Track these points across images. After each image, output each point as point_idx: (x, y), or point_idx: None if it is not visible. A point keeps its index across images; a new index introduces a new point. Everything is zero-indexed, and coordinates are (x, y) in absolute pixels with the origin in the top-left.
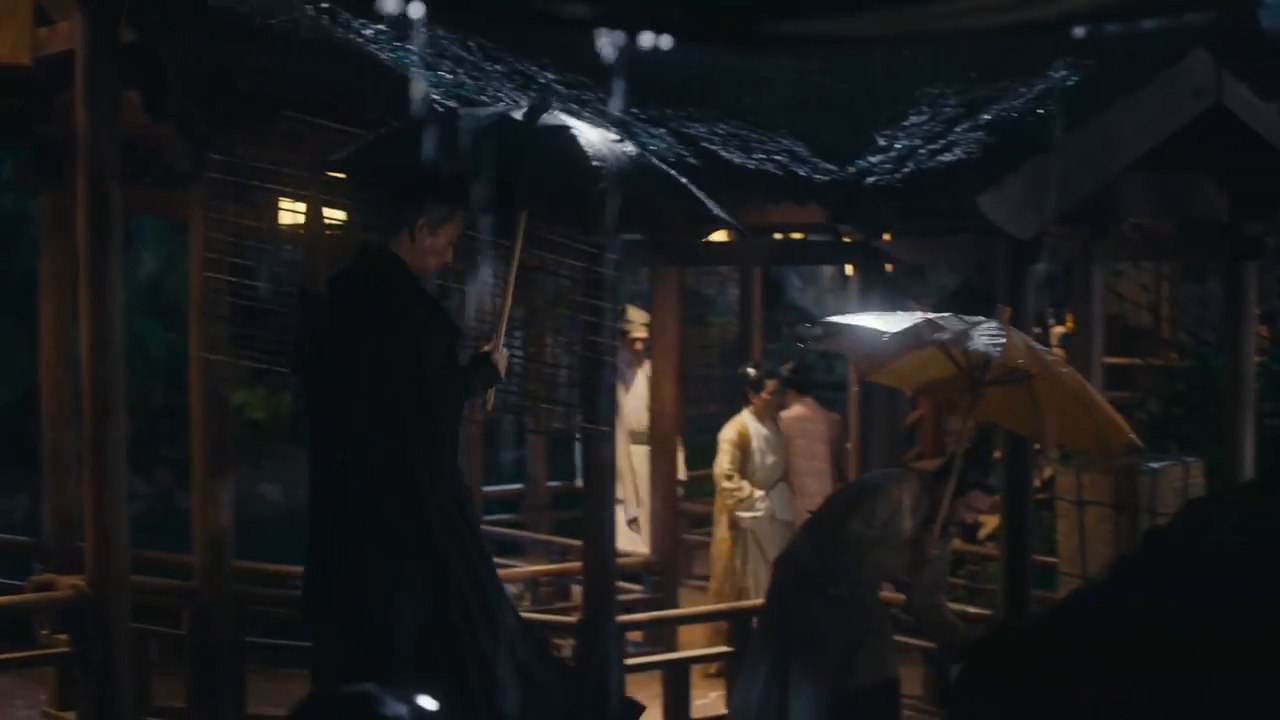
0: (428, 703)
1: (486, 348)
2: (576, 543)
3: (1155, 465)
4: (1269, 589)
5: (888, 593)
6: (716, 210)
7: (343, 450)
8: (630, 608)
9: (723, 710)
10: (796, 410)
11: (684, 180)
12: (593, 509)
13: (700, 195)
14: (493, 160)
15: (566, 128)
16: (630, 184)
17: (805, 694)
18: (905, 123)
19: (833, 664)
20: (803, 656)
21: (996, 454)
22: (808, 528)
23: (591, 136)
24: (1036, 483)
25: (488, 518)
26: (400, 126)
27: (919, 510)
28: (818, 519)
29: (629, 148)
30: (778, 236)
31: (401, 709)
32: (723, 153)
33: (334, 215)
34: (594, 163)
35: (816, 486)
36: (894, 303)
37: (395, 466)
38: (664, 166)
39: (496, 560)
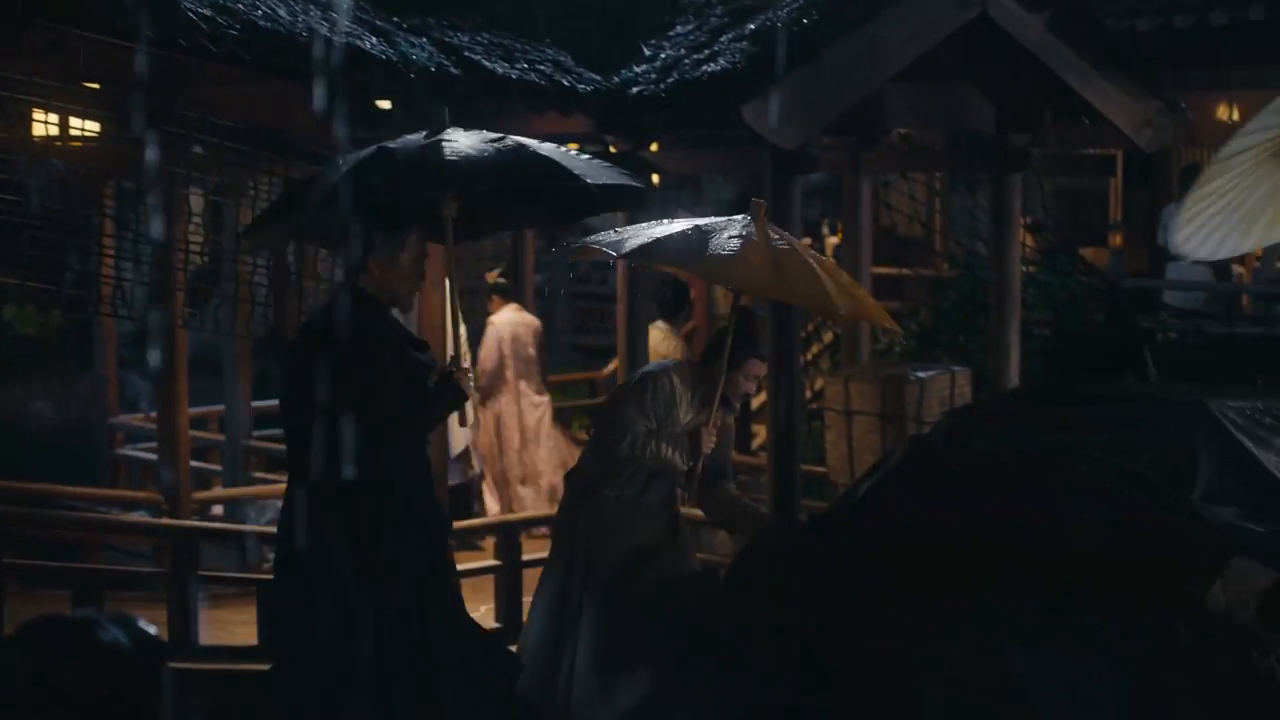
0: (148, 627)
1: (449, 368)
2: None
3: (922, 374)
4: (1021, 497)
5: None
6: (615, 179)
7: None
8: None
9: (494, 624)
10: (504, 315)
11: (581, 160)
12: None
13: (586, 169)
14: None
15: (438, 141)
16: (492, 181)
17: (593, 602)
18: (671, 32)
19: (620, 569)
20: (589, 565)
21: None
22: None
23: (462, 144)
24: (806, 393)
25: (259, 433)
26: (301, 184)
27: (695, 397)
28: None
29: (505, 145)
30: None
31: (119, 632)
32: (486, 63)
33: (89, 127)
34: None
35: (528, 386)
36: (666, 213)
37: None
38: (551, 155)
39: (267, 476)
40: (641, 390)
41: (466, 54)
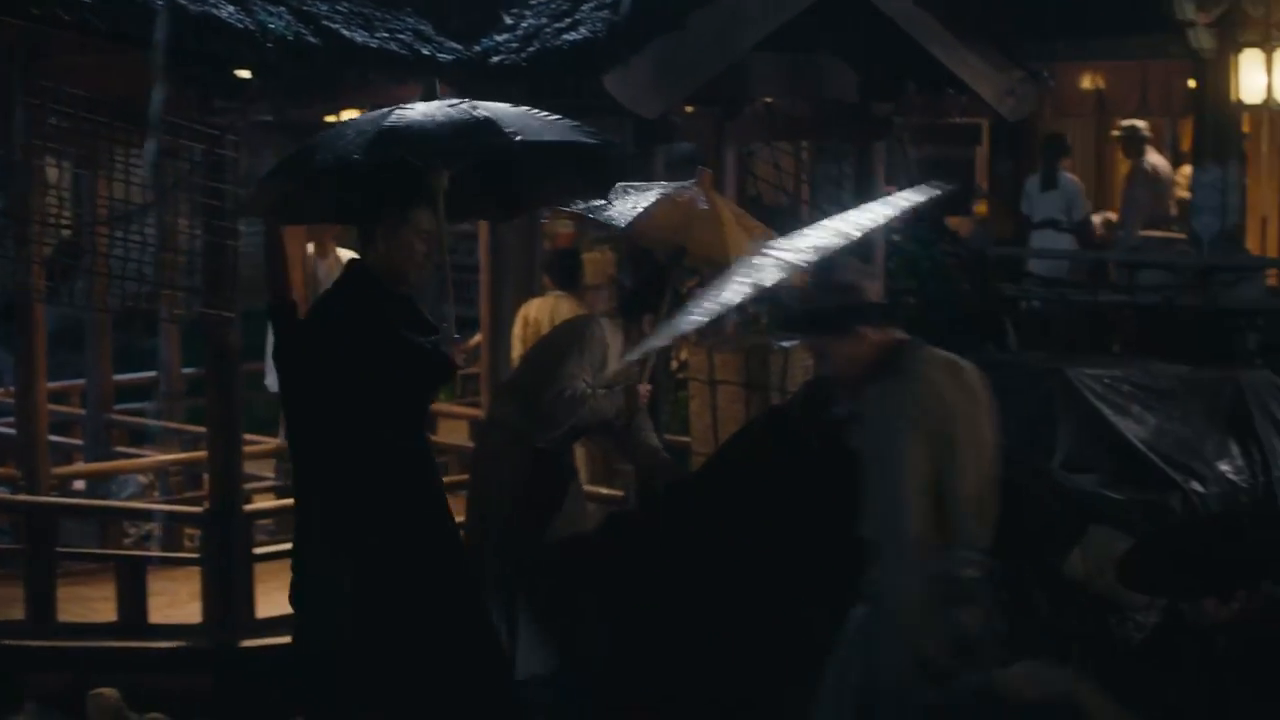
0: None
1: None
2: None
3: (786, 344)
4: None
5: None
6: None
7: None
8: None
9: None
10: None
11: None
12: (217, 395)
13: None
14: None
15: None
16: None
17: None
18: (532, 1)
19: (536, 520)
20: (508, 517)
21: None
22: (508, 389)
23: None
24: (674, 363)
25: (120, 407)
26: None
27: (619, 351)
28: (519, 378)
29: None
30: None
31: None
32: (345, 31)
33: None
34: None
35: None
36: None
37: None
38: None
39: (129, 450)
40: (580, 343)
41: (325, 22)
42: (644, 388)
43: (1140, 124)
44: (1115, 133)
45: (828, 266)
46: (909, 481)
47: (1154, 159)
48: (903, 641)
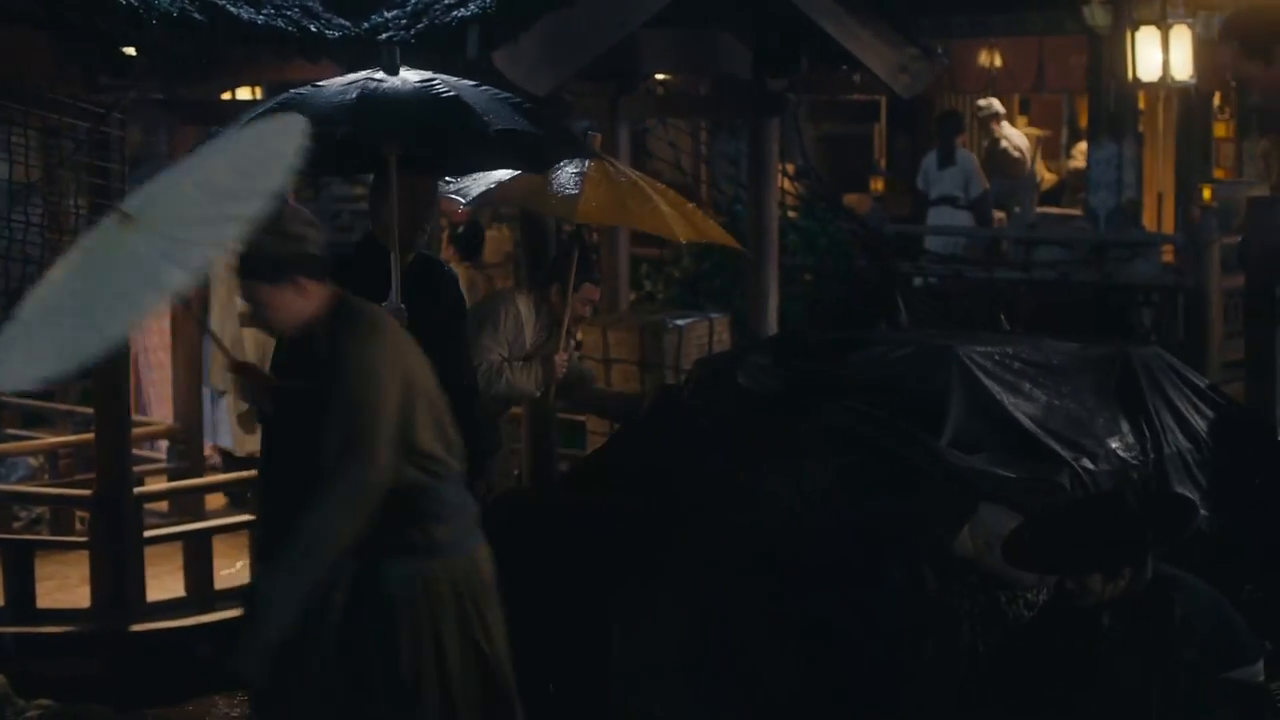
0: None
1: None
2: None
3: (680, 322)
4: (765, 447)
5: None
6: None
7: None
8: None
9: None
10: None
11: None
12: (103, 377)
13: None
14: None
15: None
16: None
17: None
18: None
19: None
20: None
21: None
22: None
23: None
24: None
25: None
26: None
27: (537, 321)
28: None
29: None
30: None
31: None
32: (231, 8)
33: None
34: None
35: None
36: None
37: None
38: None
39: (19, 433)
40: (494, 317)
41: None
42: (560, 357)
43: (994, 101)
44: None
45: (276, 214)
46: (390, 421)
47: (1008, 132)
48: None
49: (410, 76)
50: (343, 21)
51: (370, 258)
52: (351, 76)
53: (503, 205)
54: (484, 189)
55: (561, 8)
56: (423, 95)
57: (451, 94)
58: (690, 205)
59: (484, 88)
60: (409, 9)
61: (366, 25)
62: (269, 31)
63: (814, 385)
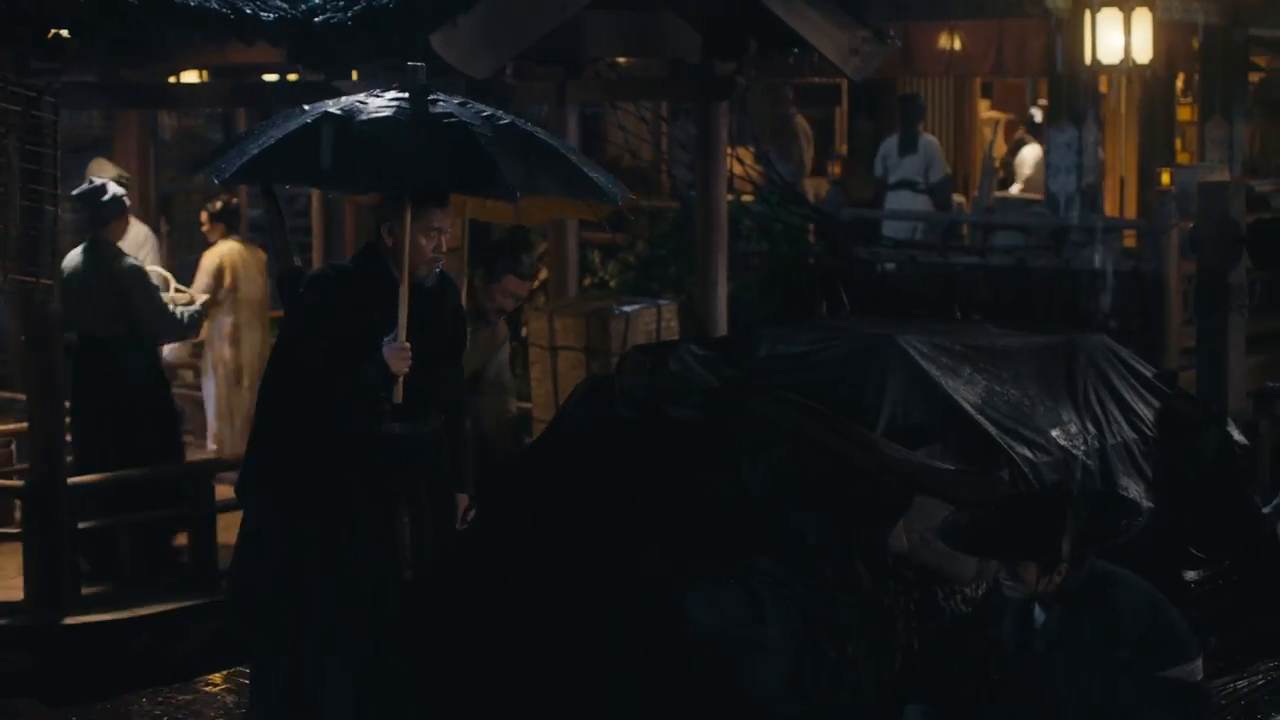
0: None
1: (387, 339)
2: None
3: (628, 309)
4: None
5: None
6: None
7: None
8: None
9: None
10: (229, 245)
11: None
12: (37, 365)
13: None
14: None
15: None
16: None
17: None
18: None
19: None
20: None
21: None
22: None
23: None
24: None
25: None
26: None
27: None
28: None
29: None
30: (271, 78)
31: None
32: None
33: None
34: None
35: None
36: None
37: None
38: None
39: None
40: None
41: None
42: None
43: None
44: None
45: None
46: None
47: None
48: None
49: (447, 110)
50: (280, 3)
51: (374, 278)
52: (389, 98)
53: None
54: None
55: None
56: (458, 143)
57: (490, 152)
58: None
59: (525, 128)
60: None
61: (304, 7)
62: (203, 14)
63: (748, 376)
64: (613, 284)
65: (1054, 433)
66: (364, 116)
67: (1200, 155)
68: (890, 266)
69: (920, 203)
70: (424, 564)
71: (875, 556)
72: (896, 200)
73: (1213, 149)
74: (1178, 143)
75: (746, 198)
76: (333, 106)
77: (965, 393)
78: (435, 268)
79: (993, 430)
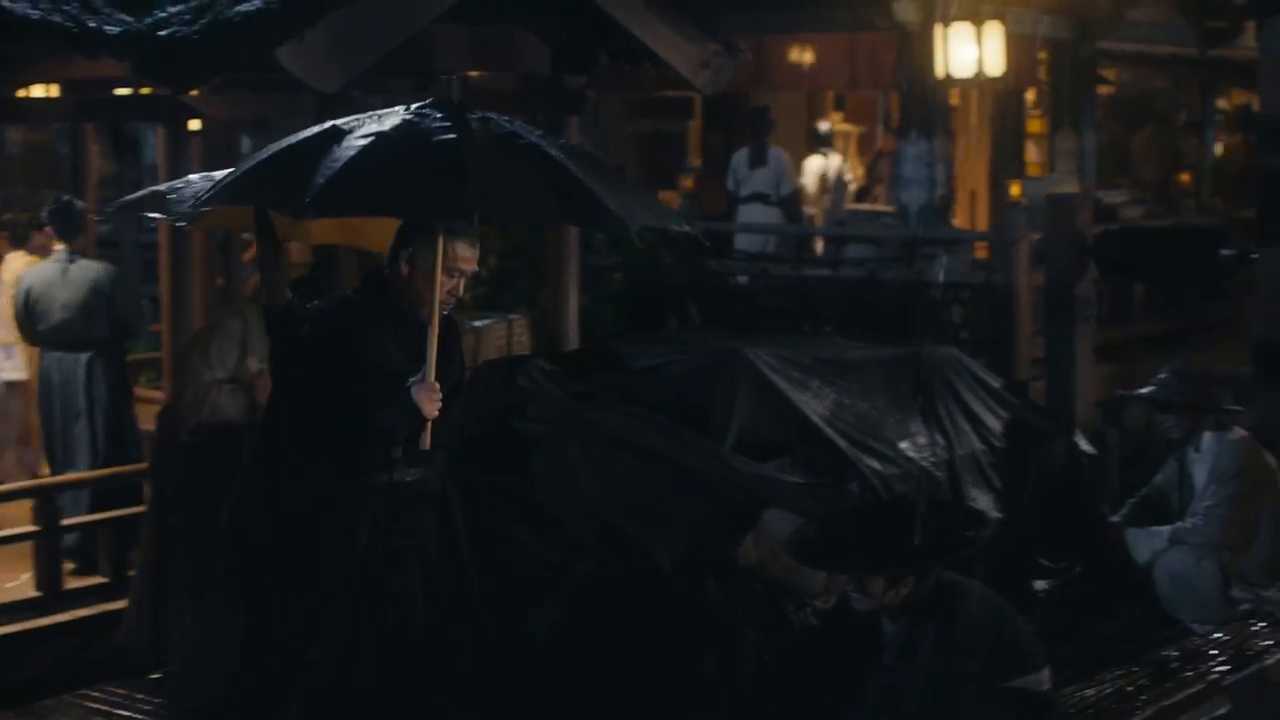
0: None
1: (412, 380)
2: None
3: (478, 323)
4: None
5: None
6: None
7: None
8: None
9: (35, 592)
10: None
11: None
12: None
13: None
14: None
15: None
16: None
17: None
18: None
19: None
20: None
21: None
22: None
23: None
24: None
25: None
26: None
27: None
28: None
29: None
30: (124, 92)
31: None
32: (5, 2)
33: None
34: None
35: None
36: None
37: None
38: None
39: None
40: (211, 336)
41: None
42: (262, 383)
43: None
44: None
45: None
46: None
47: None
48: None
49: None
50: (124, 17)
51: (384, 313)
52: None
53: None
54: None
55: (350, 3)
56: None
57: (582, 179)
58: None
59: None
60: (193, 4)
61: (149, 20)
62: (45, 27)
63: (597, 391)
64: (465, 299)
65: (903, 445)
66: (440, 139)
67: (1050, 167)
68: (743, 280)
69: (772, 216)
70: (438, 620)
71: (724, 570)
72: (748, 214)
73: (1062, 161)
74: (1028, 155)
75: None
76: (374, 126)
77: (814, 406)
78: (446, 310)
79: (841, 443)
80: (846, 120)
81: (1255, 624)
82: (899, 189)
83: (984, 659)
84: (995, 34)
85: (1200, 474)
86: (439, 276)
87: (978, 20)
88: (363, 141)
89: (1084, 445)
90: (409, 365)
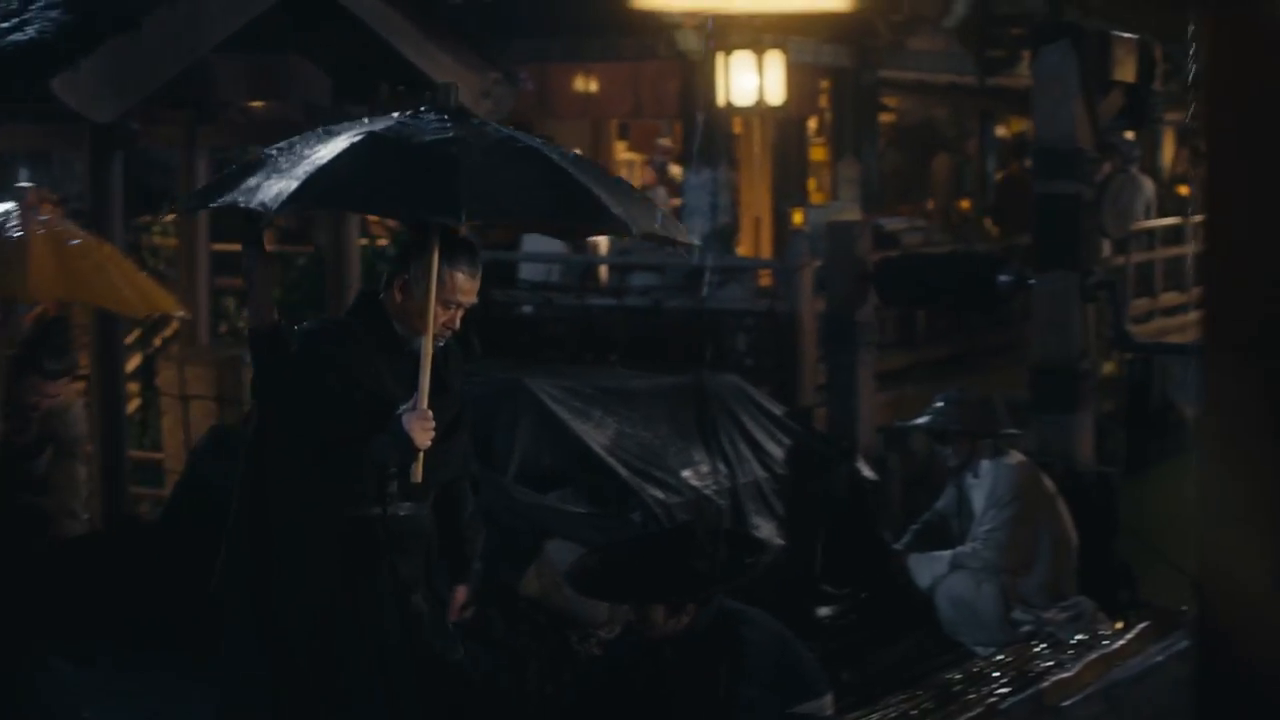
0: None
1: (404, 408)
2: None
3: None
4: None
5: None
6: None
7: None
8: None
9: None
10: None
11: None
12: None
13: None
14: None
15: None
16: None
17: None
18: None
19: None
20: None
21: None
22: None
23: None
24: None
25: None
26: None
27: None
28: None
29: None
30: None
31: None
32: None
33: None
34: None
35: None
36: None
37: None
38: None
39: None
40: None
41: None
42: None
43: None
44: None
45: None
46: None
47: None
48: None
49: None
50: None
51: (377, 337)
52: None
53: None
54: None
55: (126, 32)
56: (544, 173)
57: (582, 181)
58: (139, 272)
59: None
60: None
61: None
62: None
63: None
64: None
65: (685, 473)
66: (433, 138)
67: (833, 195)
68: (527, 309)
69: (556, 245)
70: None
71: (507, 601)
72: (532, 243)
73: (844, 188)
74: (812, 182)
75: (382, 241)
76: (365, 127)
77: (596, 435)
78: (440, 342)
79: (624, 472)
80: (631, 149)
81: (1036, 645)
82: (683, 217)
83: (766, 685)
84: (776, 63)
85: (979, 499)
86: (433, 294)
87: (759, 49)
88: (351, 140)
89: (866, 471)
90: (403, 395)
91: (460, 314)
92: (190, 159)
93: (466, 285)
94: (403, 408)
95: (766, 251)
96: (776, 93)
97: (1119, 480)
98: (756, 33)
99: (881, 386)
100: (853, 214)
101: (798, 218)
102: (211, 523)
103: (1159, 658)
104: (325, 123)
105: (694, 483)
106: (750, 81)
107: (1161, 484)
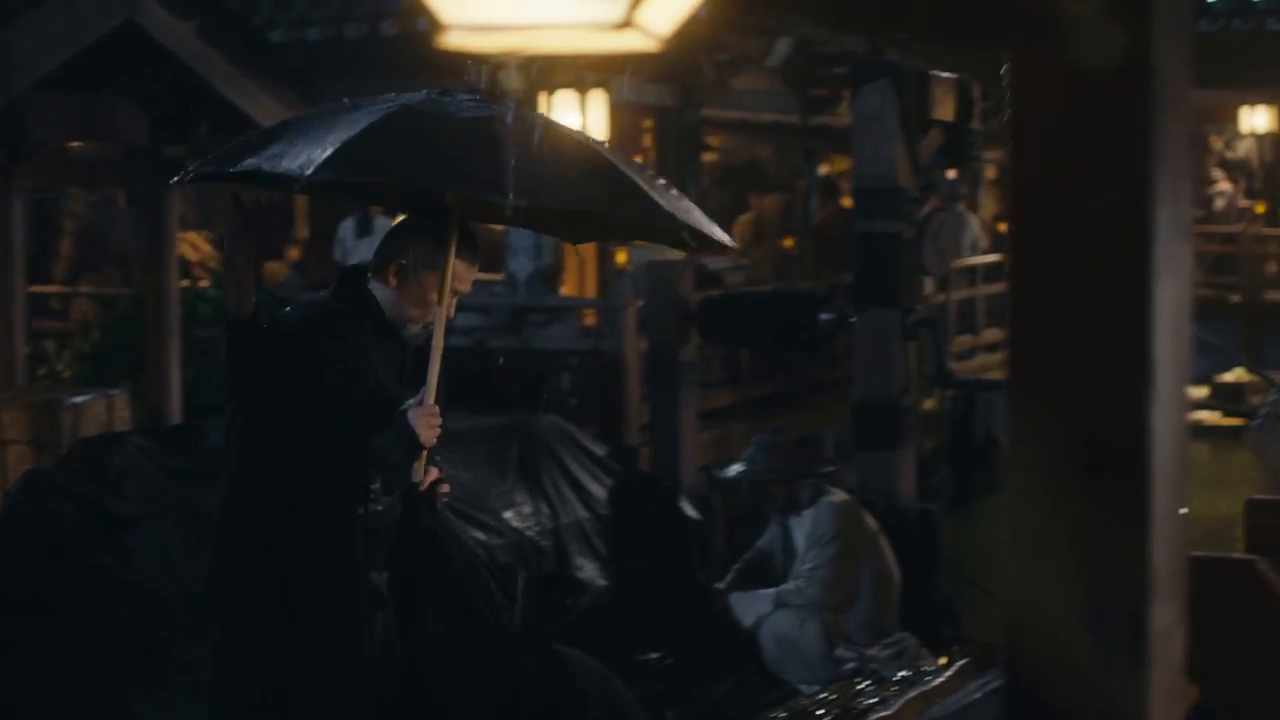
0: None
1: (409, 402)
2: None
3: (77, 399)
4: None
5: None
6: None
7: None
8: None
9: None
10: None
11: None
12: None
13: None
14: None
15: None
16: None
17: None
18: None
19: None
20: None
21: None
22: None
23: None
24: None
25: None
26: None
27: None
28: None
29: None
30: None
31: None
32: None
33: None
34: None
35: None
36: None
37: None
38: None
39: None
40: None
41: None
42: None
43: None
44: None
45: None
46: None
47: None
48: None
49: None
50: None
51: (368, 326)
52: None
53: None
54: None
55: None
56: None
57: (629, 174)
58: None
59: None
60: None
61: None
62: None
63: (193, 466)
64: (67, 374)
65: (507, 515)
66: (474, 115)
67: None
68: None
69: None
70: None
71: None
72: None
73: None
74: None
75: (204, 283)
76: (394, 101)
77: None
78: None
79: (445, 515)
80: None
81: (860, 683)
82: (507, 257)
83: None
84: (599, 102)
85: (801, 537)
86: (449, 276)
87: (582, 89)
88: (386, 111)
89: (689, 510)
90: (394, 387)
91: (454, 302)
92: (5, 198)
93: (468, 274)
94: (408, 402)
95: (591, 291)
96: (600, 132)
97: (941, 516)
98: (579, 71)
99: (706, 425)
100: (675, 254)
101: (621, 257)
102: (28, 570)
103: (977, 694)
104: (143, 163)
105: (516, 524)
106: (573, 121)
107: (985, 518)
